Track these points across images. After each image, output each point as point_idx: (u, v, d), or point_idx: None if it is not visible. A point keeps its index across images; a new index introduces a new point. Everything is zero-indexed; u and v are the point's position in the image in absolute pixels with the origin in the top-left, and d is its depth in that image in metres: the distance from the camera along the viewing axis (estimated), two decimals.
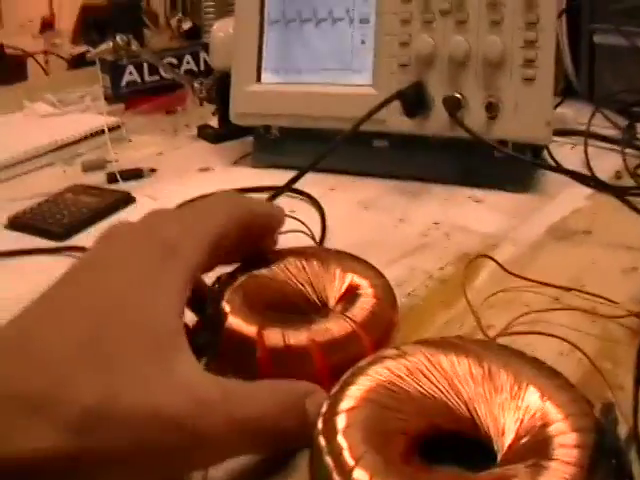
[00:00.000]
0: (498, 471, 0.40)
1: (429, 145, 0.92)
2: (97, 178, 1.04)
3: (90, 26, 2.38)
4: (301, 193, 0.89)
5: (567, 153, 1.03)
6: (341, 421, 0.42)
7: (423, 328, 0.62)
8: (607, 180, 0.92)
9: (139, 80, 1.44)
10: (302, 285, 0.55)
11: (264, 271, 0.56)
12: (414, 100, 0.89)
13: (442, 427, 0.43)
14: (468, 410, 0.43)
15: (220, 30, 1.39)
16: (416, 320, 0.63)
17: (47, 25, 2.83)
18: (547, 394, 0.42)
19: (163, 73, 1.36)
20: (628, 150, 0.98)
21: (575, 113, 1.15)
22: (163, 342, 0.41)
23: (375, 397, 0.43)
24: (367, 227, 0.83)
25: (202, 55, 1.53)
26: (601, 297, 0.64)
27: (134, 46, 1.20)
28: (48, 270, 0.74)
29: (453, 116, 0.86)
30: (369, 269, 0.57)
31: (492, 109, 0.87)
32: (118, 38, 1.20)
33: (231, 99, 1.03)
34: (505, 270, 0.67)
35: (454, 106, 0.87)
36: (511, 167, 0.87)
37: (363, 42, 0.96)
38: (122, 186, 1.00)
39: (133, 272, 0.43)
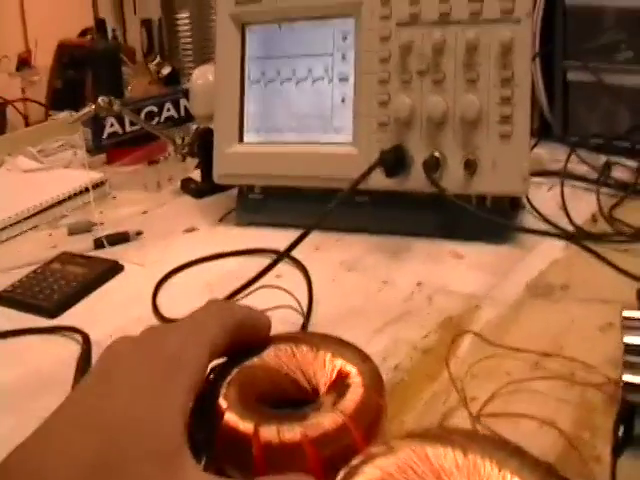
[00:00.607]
0: None
1: (410, 200, 0.94)
2: (84, 242, 1.04)
3: (67, 64, 2.38)
4: (288, 256, 0.90)
5: (544, 195, 1.05)
6: None
7: (410, 405, 0.63)
8: (583, 224, 0.94)
9: (120, 131, 1.45)
10: (293, 372, 0.57)
11: (256, 360, 0.57)
12: (395, 163, 0.90)
13: None
14: None
15: (199, 77, 1.41)
16: (402, 396, 0.64)
17: (23, 62, 2.83)
18: None
19: (145, 127, 1.37)
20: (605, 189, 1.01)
21: (551, 152, 1.17)
22: (169, 459, 0.43)
23: None
24: (352, 291, 0.84)
25: (182, 102, 1.54)
26: (579, 361, 0.65)
27: (116, 106, 1.22)
28: (43, 351, 0.77)
29: (430, 178, 0.88)
30: (356, 354, 0.59)
31: (470, 166, 0.89)
32: (100, 100, 1.21)
33: (214, 160, 1.04)
34: (486, 341, 0.68)
35: (433, 166, 0.89)
36: (489, 220, 0.88)
37: (343, 100, 0.97)
38: (109, 251, 1.00)
39: (137, 388, 0.45)
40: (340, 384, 0.56)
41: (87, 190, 1.22)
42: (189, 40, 1.75)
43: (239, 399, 0.54)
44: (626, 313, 0.63)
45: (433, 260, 0.89)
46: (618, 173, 1.09)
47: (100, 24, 1.89)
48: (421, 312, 0.78)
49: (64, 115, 1.63)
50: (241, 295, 0.82)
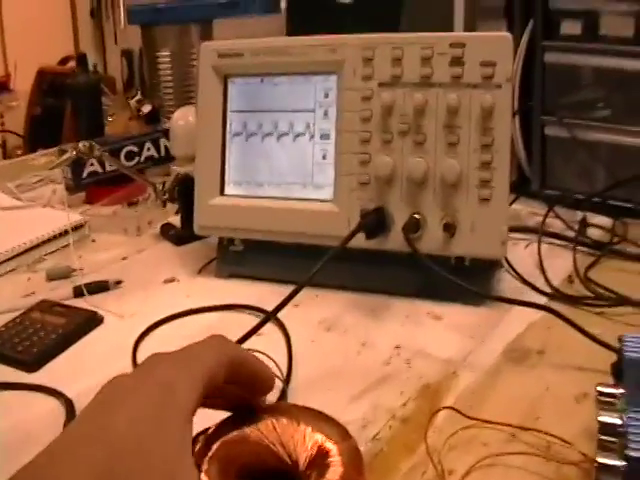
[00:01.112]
0: None
1: (389, 259, 0.95)
2: (63, 289, 1.05)
3: (47, 91, 2.39)
4: (266, 312, 0.90)
5: (521, 253, 1.06)
6: None
7: (389, 477, 0.64)
8: (560, 284, 0.96)
9: (100, 170, 1.45)
10: (273, 445, 0.57)
11: (236, 433, 0.58)
12: (375, 226, 0.91)
13: None
14: None
15: (180, 118, 1.41)
16: (381, 468, 0.65)
17: (2, 85, 2.83)
18: None
19: (125, 172, 1.37)
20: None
21: (529, 205, 1.18)
22: (172, 473, 0.45)
23: None
24: (331, 353, 0.84)
25: (162, 141, 1.55)
26: (555, 437, 0.66)
27: (96, 151, 1.22)
28: (24, 408, 0.77)
29: (408, 241, 0.89)
30: (336, 430, 0.59)
31: (450, 228, 0.90)
32: (81, 145, 1.21)
33: (195, 211, 1.05)
34: (463, 415, 0.69)
35: (412, 228, 0.90)
36: (467, 282, 0.89)
37: (324, 157, 0.98)
38: (89, 300, 1.00)
39: (135, 411, 0.46)
40: (320, 461, 0.56)
41: (67, 232, 1.21)
42: (170, 78, 1.75)
43: (220, 475, 0.55)
44: (601, 388, 0.64)
45: (412, 321, 0.90)
46: (594, 230, 1.10)
47: (81, 58, 1.88)
48: (400, 377, 0.79)
49: (45, 160, 1.63)
50: None
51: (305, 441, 0.57)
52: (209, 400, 0.52)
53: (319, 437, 0.58)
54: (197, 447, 0.57)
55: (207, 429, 0.58)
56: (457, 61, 0.91)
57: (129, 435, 0.44)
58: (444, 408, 0.70)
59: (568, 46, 1.20)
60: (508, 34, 0.91)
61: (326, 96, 0.99)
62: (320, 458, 0.56)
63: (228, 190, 1.04)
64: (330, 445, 0.57)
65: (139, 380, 0.49)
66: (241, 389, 0.56)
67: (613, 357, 0.70)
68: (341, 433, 0.59)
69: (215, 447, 0.57)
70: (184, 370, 0.49)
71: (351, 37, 0.97)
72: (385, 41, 0.95)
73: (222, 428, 0.58)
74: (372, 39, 0.96)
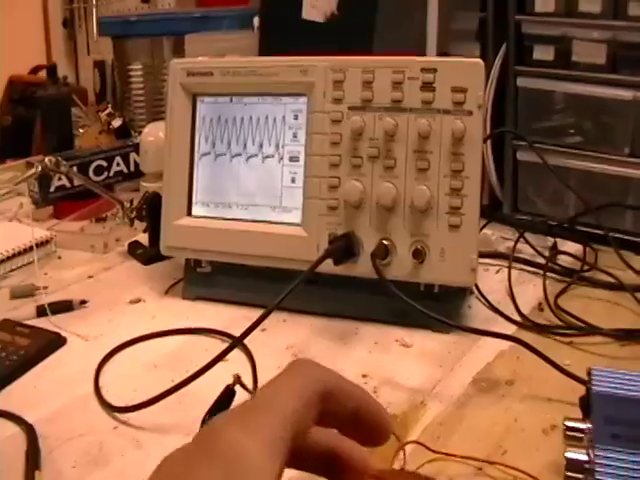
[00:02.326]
0: None
1: (358, 284, 0.94)
2: (26, 308, 1.03)
3: (17, 100, 2.36)
4: (233, 338, 0.89)
5: (492, 279, 1.06)
6: None
7: None
8: (529, 313, 0.96)
9: (68, 184, 1.43)
10: None
11: None
12: (343, 252, 0.90)
13: None
14: None
15: (150, 134, 1.41)
16: None
17: None
18: None
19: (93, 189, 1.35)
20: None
21: (499, 229, 1.18)
22: None
23: None
24: None
25: (132, 156, 1.53)
26: (521, 471, 0.65)
27: (63, 167, 1.20)
28: None
29: (376, 268, 0.88)
30: None
31: (419, 255, 0.89)
32: (47, 160, 1.20)
33: (162, 231, 1.03)
34: (430, 450, 0.68)
35: (381, 254, 0.89)
36: (437, 308, 0.88)
37: (293, 181, 0.97)
38: (52, 320, 0.99)
39: None
40: None
41: (32, 248, 1.19)
42: (141, 92, 1.74)
43: None
44: (568, 423, 0.63)
45: (380, 348, 0.89)
46: (565, 257, 1.10)
47: (52, 69, 1.87)
48: None
49: (10, 175, 1.61)
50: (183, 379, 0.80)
51: None
52: (296, 458, 0.39)
53: None
54: None
55: None
56: (428, 86, 0.90)
57: None
58: (410, 442, 0.69)
59: (540, 72, 1.20)
60: (480, 60, 0.91)
61: (295, 118, 0.98)
62: None
63: (195, 211, 1.02)
64: None
65: (198, 455, 0.37)
66: (344, 431, 0.42)
67: (582, 388, 0.69)
68: None
69: None
70: (254, 435, 0.37)
71: (321, 59, 0.96)
72: (356, 64, 0.94)
73: None
74: (343, 61, 0.95)
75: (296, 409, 0.38)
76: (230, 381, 0.73)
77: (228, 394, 0.67)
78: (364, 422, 0.41)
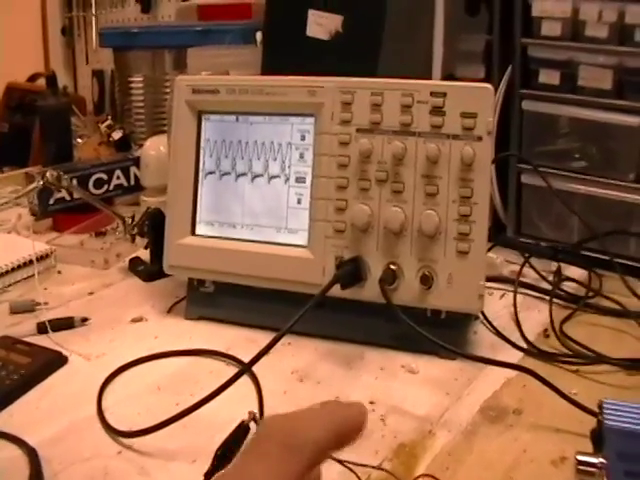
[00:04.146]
0: None
1: (364, 308, 0.93)
2: (26, 324, 1.02)
3: (15, 108, 2.35)
4: (239, 362, 0.89)
5: (496, 304, 1.06)
6: None
7: None
8: (535, 339, 0.95)
9: (68, 197, 1.42)
10: None
11: None
12: (351, 277, 0.90)
13: None
14: None
15: (152, 148, 1.40)
16: None
17: None
18: None
19: (94, 204, 1.34)
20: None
21: (503, 253, 1.18)
22: None
23: None
24: (304, 406, 0.82)
25: (132, 170, 1.53)
26: None
27: (64, 181, 1.20)
28: None
29: (385, 294, 0.88)
30: None
31: (427, 281, 0.89)
32: (48, 174, 1.19)
33: (165, 250, 1.02)
34: None
35: (389, 280, 0.89)
36: (443, 334, 0.88)
37: (299, 202, 0.97)
38: (53, 338, 0.98)
39: None
40: None
41: (32, 262, 1.19)
42: (142, 104, 1.73)
43: None
44: (581, 457, 0.63)
45: (386, 374, 0.89)
46: (569, 282, 1.10)
47: (52, 79, 1.85)
48: (375, 435, 0.77)
49: (10, 189, 1.60)
50: (185, 407, 0.78)
51: None
52: None
53: None
54: None
55: None
56: (438, 110, 0.90)
57: None
58: (421, 476, 0.68)
59: (546, 95, 1.20)
60: (489, 86, 0.90)
61: (302, 138, 0.97)
62: None
63: (199, 230, 1.02)
64: None
65: None
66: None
67: (590, 418, 0.69)
68: None
69: None
70: (285, 472, 0.45)
71: (330, 79, 0.95)
72: (365, 86, 0.94)
73: None
74: (352, 83, 0.94)
75: (321, 447, 0.47)
76: (237, 409, 0.72)
77: (242, 430, 0.66)
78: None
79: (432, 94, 0.90)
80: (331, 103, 0.94)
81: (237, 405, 0.78)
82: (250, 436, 0.48)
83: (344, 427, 0.50)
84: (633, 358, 0.89)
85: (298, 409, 0.50)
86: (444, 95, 0.90)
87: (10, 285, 1.17)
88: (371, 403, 0.82)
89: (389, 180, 0.91)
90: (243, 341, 0.94)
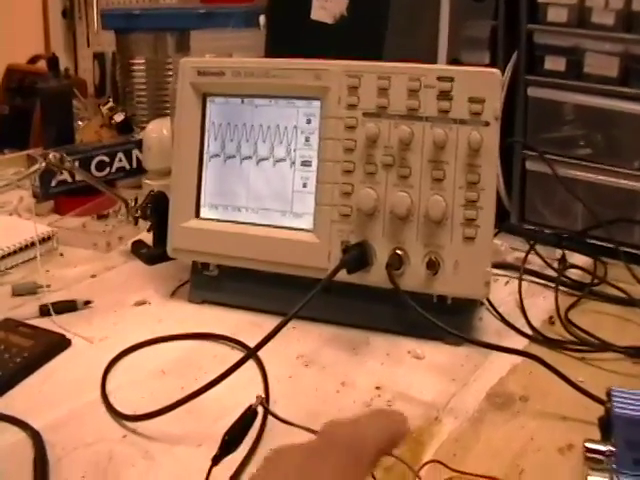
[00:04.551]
0: None
1: (370, 293, 0.93)
2: (28, 307, 1.01)
3: (16, 89, 2.34)
4: (244, 346, 0.88)
5: (501, 290, 1.05)
6: None
7: None
8: (540, 326, 0.95)
9: (70, 180, 1.41)
10: None
11: None
12: (357, 261, 0.89)
13: None
14: None
15: (154, 131, 1.39)
16: None
17: None
18: None
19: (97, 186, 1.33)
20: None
21: (507, 239, 1.18)
22: None
23: None
24: (309, 392, 0.82)
25: (135, 152, 1.52)
26: None
27: (67, 163, 1.19)
28: None
29: (392, 279, 0.88)
30: None
31: (433, 266, 0.88)
32: (51, 156, 1.18)
33: (169, 233, 1.02)
34: (448, 468, 0.67)
35: (395, 265, 0.88)
36: (449, 320, 0.87)
37: (305, 185, 0.96)
38: (56, 321, 0.97)
39: None
40: None
41: (33, 244, 1.18)
42: (144, 87, 1.72)
43: None
44: (589, 445, 0.63)
45: (392, 360, 0.88)
46: (574, 269, 1.10)
47: (53, 61, 1.84)
48: None
49: (13, 170, 1.59)
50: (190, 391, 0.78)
51: None
52: None
53: None
54: None
55: None
56: (445, 95, 0.89)
57: None
58: (429, 462, 0.68)
59: (551, 82, 1.19)
60: (497, 71, 0.90)
61: (308, 122, 0.96)
62: None
63: (204, 213, 1.01)
64: None
65: None
66: None
67: (597, 406, 0.69)
68: None
69: None
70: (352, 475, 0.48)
71: (337, 63, 0.94)
72: (371, 70, 0.93)
73: None
74: (358, 66, 0.94)
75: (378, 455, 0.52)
76: (243, 394, 0.71)
77: (250, 414, 0.65)
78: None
79: (439, 79, 0.90)
80: (337, 87, 0.94)
81: (242, 390, 0.77)
82: (309, 441, 0.50)
83: (396, 431, 0.54)
84: (638, 346, 0.88)
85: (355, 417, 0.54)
86: (452, 80, 0.89)
87: (12, 267, 1.16)
88: (377, 389, 0.82)
89: (395, 165, 0.90)
90: (248, 325, 0.94)
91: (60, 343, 0.92)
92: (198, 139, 1.01)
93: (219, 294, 1.02)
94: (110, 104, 1.71)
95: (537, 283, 1.07)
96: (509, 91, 1.21)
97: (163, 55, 1.72)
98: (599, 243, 1.14)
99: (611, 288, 1.05)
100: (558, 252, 1.13)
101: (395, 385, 0.83)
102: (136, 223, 1.21)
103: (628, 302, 1.00)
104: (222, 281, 1.01)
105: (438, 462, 0.68)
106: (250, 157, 0.99)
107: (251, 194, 0.99)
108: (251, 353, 0.80)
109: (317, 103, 0.96)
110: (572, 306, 0.99)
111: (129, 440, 0.74)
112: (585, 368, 0.86)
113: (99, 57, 2.32)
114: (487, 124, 0.87)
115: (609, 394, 0.67)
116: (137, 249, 1.20)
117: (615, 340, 0.90)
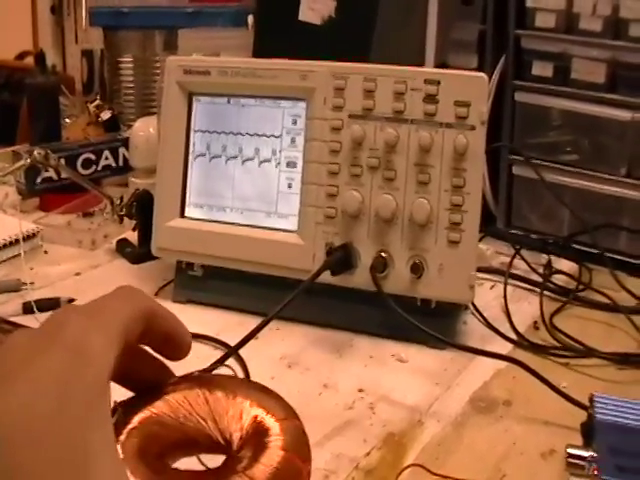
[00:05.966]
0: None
1: (354, 295, 0.93)
2: (11, 304, 1.01)
3: (3, 85, 2.33)
4: (227, 346, 0.88)
5: (487, 295, 1.05)
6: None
7: None
8: (525, 331, 0.95)
9: (55, 177, 1.41)
10: (204, 421, 0.49)
11: (161, 405, 0.50)
12: (341, 263, 0.89)
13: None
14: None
15: (141, 129, 1.39)
16: None
17: None
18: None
19: (82, 184, 1.33)
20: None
21: (493, 244, 1.18)
22: (75, 472, 0.37)
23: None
24: (292, 392, 0.81)
25: (121, 150, 1.51)
26: None
27: (52, 160, 1.18)
28: None
29: (375, 281, 0.87)
30: (279, 406, 0.51)
31: (417, 269, 0.88)
32: (36, 153, 1.18)
33: (153, 232, 1.02)
34: (430, 472, 0.67)
35: (380, 267, 0.88)
36: (433, 323, 0.87)
37: (290, 186, 0.96)
38: (39, 318, 0.97)
39: (37, 385, 0.38)
40: (257, 441, 0.48)
41: (18, 242, 1.17)
42: (131, 85, 1.71)
43: (139, 455, 0.47)
44: (571, 450, 0.63)
45: (376, 363, 0.88)
46: (559, 275, 1.10)
47: (40, 57, 1.83)
48: (363, 423, 0.77)
49: None
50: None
51: (241, 418, 0.49)
52: (128, 363, 0.46)
53: (258, 412, 0.50)
54: (115, 418, 0.47)
55: (130, 398, 0.50)
56: (431, 98, 0.89)
57: (25, 422, 0.36)
58: (411, 465, 0.68)
59: (539, 87, 1.19)
60: (483, 75, 0.90)
61: (294, 123, 0.96)
62: (257, 437, 0.49)
63: (189, 212, 1.01)
64: (271, 422, 0.49)
65: (44, 341, 0.40)
66: (156, 349, 0.50)
67: (580, 412, 0.69)
68: (285, 410, 0.51)
69: (137, 418, 0.49)
70: (96, 327, 0.41)
71: (323, 64, 0.94)
72: (358, 71, 0.93)
73: (145, 398, 0.50)
74: (345, 68, 0.93)
75: (127, 321, 0.44)
76: None
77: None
78: (173, 341, 0.50)
79: (426, 82, 0.90)
80: (323, 88, 0.93)
81: None
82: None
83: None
84: (623, 352, 0.89)
85: None
86: (438, 83, 0.89)
87: None
88: (360, 391, 0.82)
89: (381, 167, 0.90)
90: (232, 325, 0.93)
91: None
92: (183, 138, 1.01)
93: (203, 294, 1.01)
94: (97, 102, 1.71)
95: (522, 288, 1.07)
96: (496, 95, 1.21)
97: (151, 53, 1.71)
98: (585, 249, 1.14)
99: (596, 294, 1.05)
100: (544, 257, 1.13)
101: (378, 388, 0.82)
102: (121, 221, 1.20)
103: (613, 308, 1.00)
104: (207, 281, 1.01)
105: (420, 466, 0.67)
106: (235, 157, 0.99)
107: (236, 194, 0.98)
108: (231, 352, 0.80)
109: (303, 104, 0.95)
110: (557, 311, 0.99)
111: None
112: (569, 374, 0.86)
113: (87, 54, 2.31)
114: (473, 128, 0.87)
115: (592, 400, 0.67)
116: (122, 248, 1.20)
117: (599, 346, 0.90)
